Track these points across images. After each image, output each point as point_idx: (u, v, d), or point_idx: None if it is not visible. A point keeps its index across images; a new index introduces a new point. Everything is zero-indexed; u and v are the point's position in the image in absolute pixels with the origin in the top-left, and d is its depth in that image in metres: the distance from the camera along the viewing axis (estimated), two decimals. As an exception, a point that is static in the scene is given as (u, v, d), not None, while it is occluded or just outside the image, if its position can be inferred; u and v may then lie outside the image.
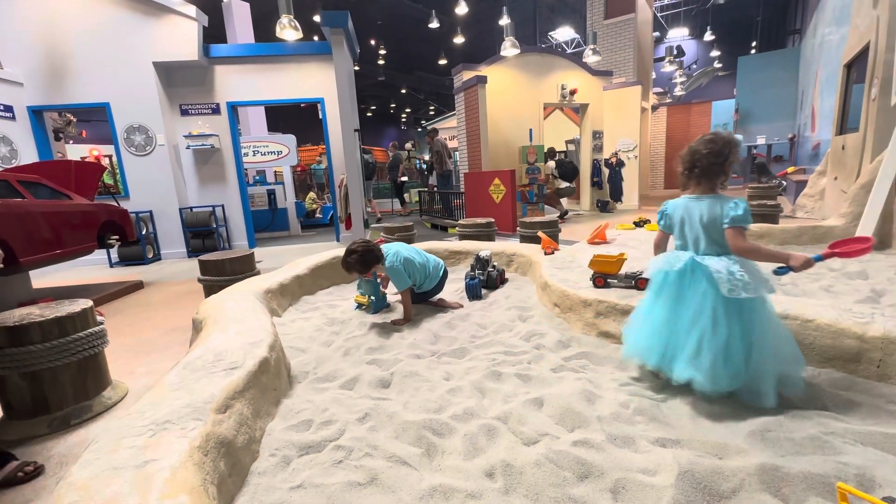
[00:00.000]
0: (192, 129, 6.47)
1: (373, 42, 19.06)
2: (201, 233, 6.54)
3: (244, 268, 3.19)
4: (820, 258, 1.45)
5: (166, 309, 3.65)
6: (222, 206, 6.76)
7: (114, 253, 6.20)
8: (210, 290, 3.06)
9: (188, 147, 6.43)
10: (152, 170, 6.28)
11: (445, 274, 2.77)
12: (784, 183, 8.22)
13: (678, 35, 19.02)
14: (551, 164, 8.07)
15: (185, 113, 6.53)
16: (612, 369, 1.81)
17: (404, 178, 11.18)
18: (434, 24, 13.41)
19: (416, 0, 15.38)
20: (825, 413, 1.36)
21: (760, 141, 14.09)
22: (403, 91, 25.24)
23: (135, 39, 5.96)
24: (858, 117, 3.62)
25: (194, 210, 6.54)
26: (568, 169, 8.33)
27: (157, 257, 6.47)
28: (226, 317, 2.02)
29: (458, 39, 14.33)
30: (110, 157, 8.78)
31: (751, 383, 1.42)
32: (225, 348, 1.64)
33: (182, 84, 6.45)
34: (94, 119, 13.39)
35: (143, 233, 6.15)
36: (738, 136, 1.55)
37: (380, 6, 15.40)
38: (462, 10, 11.52)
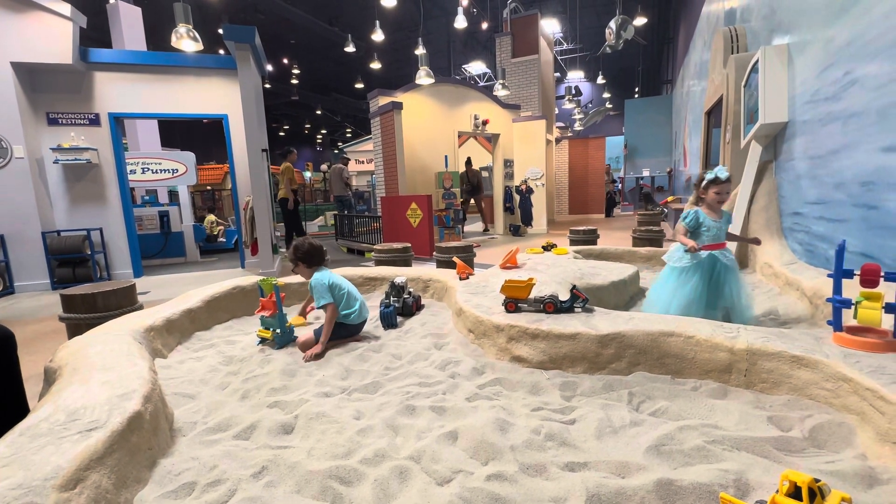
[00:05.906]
0: (62, 140, 5.61)
1: (286, 61, 18.48)
2: (71, 260, 5.61)
3: (122, 302, 2.74)
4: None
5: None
6: (100, 230, 5.90)
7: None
8: (76, 329, 2.57)
9: (56, 161, 5.55)
10: (6, 186, 5.30)
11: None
12: (665, 210, 9.39)
13: (575, 77, 21.23)
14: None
15: (53, 122, 5.66)
16: (525, 394, 1.84)
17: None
18: (350, 49, 13.40)
19: (331, 23, 15.29)
20: (707, 423, 1.49)
21: (646, 173, 16.06)
22: (319, 112, 24.71)
23: (-13, 34, 5.08)
24: (718, 156, 4.25)
25: (62, 234, 5.62)
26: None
27: (10, 290, 5.40)
28: (89, 363, 1.70)
29: (375, 65, 14.45)
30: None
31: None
32: (83, 404, 1.36)
33: (51, 90, 5.61)
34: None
35: (-10, 261, 5.12)
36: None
37: (293, 26, 15.05)
38: (378, 37, 11.67)
